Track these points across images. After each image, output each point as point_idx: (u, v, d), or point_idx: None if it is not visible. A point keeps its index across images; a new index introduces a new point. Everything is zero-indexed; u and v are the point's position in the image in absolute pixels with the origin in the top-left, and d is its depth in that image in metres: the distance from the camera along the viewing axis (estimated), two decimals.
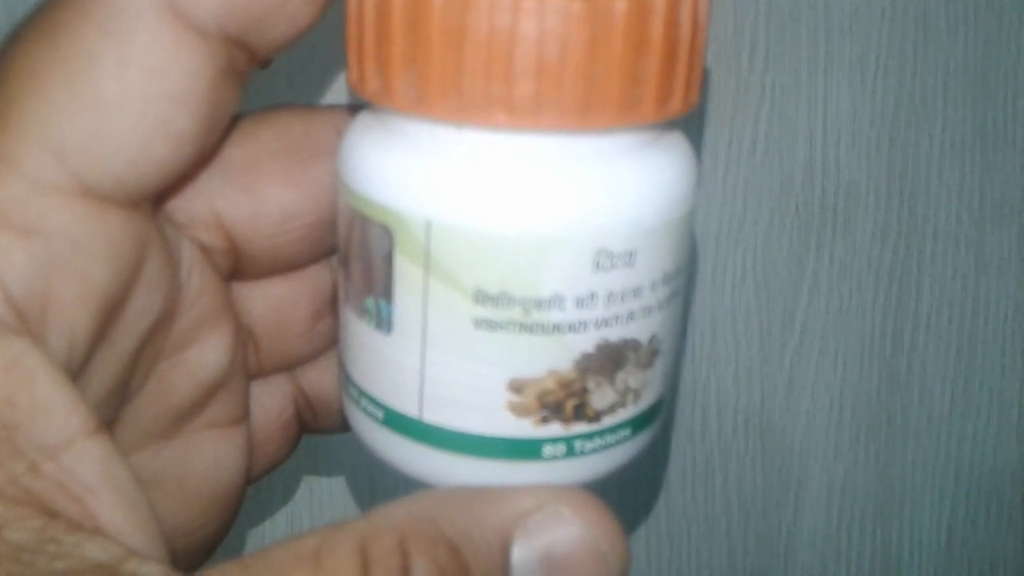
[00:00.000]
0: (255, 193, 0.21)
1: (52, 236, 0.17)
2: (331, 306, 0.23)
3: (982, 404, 0.40)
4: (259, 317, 0.22)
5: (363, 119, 0.19)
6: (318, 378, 0.24)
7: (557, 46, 0.16)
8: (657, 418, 0.20)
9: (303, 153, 0.21)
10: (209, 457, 0.22)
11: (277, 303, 0.22)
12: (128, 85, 0.17)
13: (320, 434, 0.25)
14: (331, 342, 0.23)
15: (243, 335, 0.22)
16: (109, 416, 0.20)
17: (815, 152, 0.36)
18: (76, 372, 0.17)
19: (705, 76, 0.36)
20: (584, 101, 0.16)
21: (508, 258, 0.17)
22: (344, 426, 0.22)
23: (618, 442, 0.19)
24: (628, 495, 0.39)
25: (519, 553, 0.17)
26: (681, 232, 0.18)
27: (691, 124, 0.35)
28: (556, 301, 0.17)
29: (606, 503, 0.18)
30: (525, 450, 0.18)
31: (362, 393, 0.20)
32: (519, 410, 0.18)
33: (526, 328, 0.17)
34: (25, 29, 0.17)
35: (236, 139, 0.21)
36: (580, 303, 0.17)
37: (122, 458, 0.17)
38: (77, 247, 0.17)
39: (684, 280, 0.19)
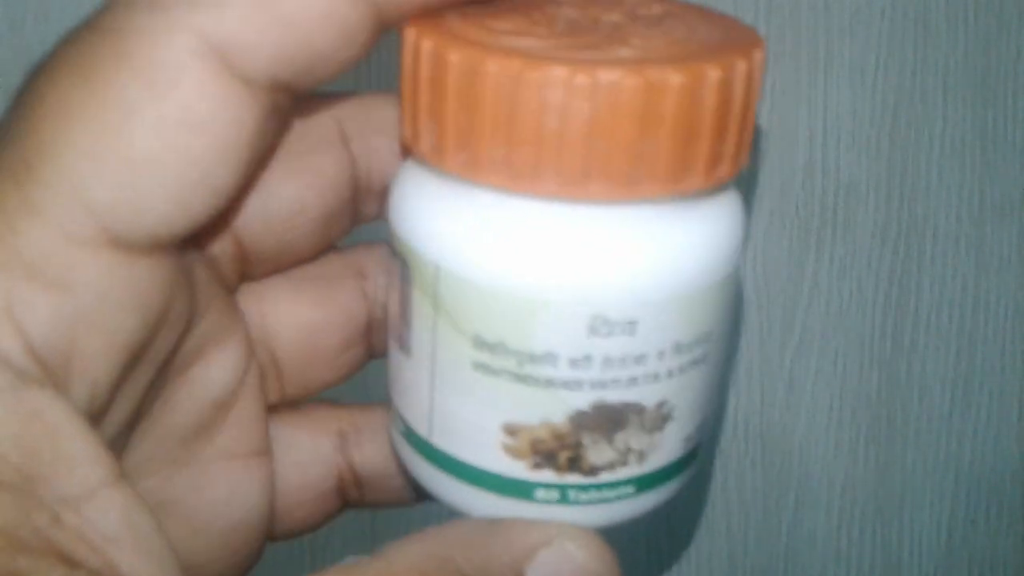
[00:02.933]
0: (261, 191, 0.20)
1: (78, 289, 0.16)
2: (362, 335, 0.23)
3: (982, 404, 0.40)
4: (287, 343, 0.22)
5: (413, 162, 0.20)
6: (372, 454, 0.23)
7: (555, 116, 0.16)
8: (672, 480, 0.19)
9: (303, 145, 0.21)
10: (222, 488, 0.21)
11: (308, 329, 0.22)
12: (167, 141, 0.16)
13: (366, 508, 0.24)
14: (355, 372, 0.23)
15: (255, 360, 0.22)
16: (122, 445, 0.19)
17: (815, 152, 0.36)
18: (97, 414, 0.17)
19: None
20: (584, 172, 0.16)
21: (504, 312, 0.17)
22: (393, 501, 0.22)
23: (619, 498, 0.19)
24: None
25: None
26: (698, 304, 0.18)
27: None
28: (549, 358, 0.17)
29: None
30: (518, 489, 0.18)
31: (394, 408, 0.20)
32: (513, 452, 0.18)
33: (520, 379, 0.17)
34: (57, 64, 0.17)
35: None
36: (575, 364, 0.17)
37: (145, 506, 0.17)
38: (103, 299, 0.17)
39: (712, 348, 0.19)
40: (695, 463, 0.20)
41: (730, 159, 0.17)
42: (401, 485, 0.23)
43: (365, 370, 0.23)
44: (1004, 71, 0.37)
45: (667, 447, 0.19)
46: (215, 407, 0.21)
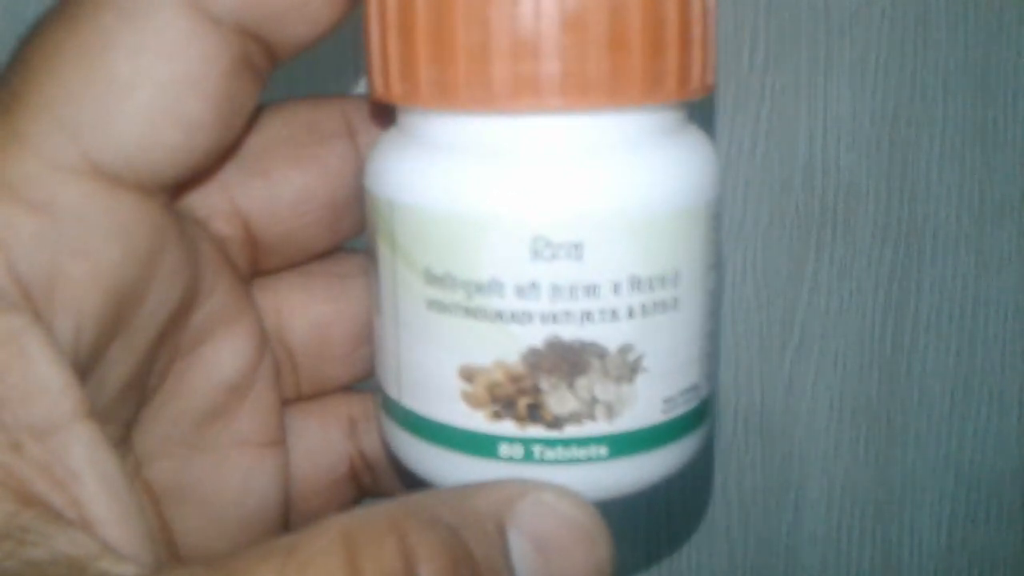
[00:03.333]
0: (268, 178, 0.21)
1: (62, 214, 0.17)
2: None
3: (982, 404, 0.40)
4: (300, 336, 0.22)
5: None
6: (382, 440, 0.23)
7: (479, 29, 0.16)
8: (652, 449, 0.18)
9: (312, 137, 0.21)
10: (237, 476, 0.21)
11: (320, 323, 0.22)
12: (141, 67, 0.17)
13: (382, 496, 0.24)
14: (371, 371, 0.23)
15: (270, 350, 0.22)
16: (128, 415, 0.19)
17: (815, 152, 0.36)
18: (86, 357, 0.17)
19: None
20: (514, 85, 0.16)
21: (450, 238, 0.17)
22: (406, 489, 0.22)
23: (589, 459, 0.18)
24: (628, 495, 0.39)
25: (514, 541, 0.17)
26: (655, 234, 0.17)
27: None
28: (495, 287, 0.17)
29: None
30: (481, 445, 0.18)
31: (377, 386, 0.20)
32: (471, 401, 0.18)
33: (470, 313, 0.17)
34: (47, 18, 0.18)
35: (246, 129, 0.21)
36: (521, 292, 0.17)
37: (110, 446, 0.16)
38: (86, 226, 0.17)
39: (684, 294, 0.18)
40: (685, 441, 0.19)
41: (674, 77, 0.17)
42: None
43: None
44: (1004, 71, 0.37)
45: (641, 405, 0.18)
46: (229, 391, 0.21)
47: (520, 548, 0.17)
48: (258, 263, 0.22)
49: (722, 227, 0.19)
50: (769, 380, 0.38)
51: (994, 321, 0.39)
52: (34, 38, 0.17)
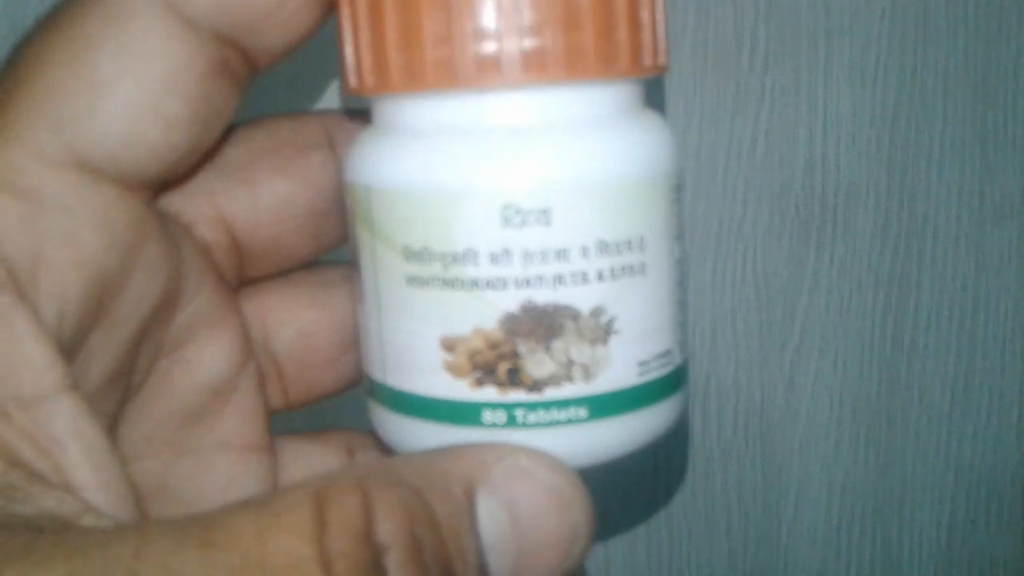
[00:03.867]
0: (252, 185, 0.22)
1: (46, 202, 0.18)
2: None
3: (982, 404, 0.40)
4: (286, 343, 0.23)
5: None
6: (376, 457, 0.24)
7: (441, 10, 0.17)
8: (630, 411, 0.19)
9: (294, 148, 0.22)
10: (220, 479, 0.22)
11: (305, 331, 0.23)
12: (122, 67, 0.18)
13: None
14: (358, 380, 0.24)
15: (254, 356, 0.22)
16: (112, 408, 0.20)
17: (815, 152, 0.36)
18: (69, 340, 0.18)
19: (704, 75, 0.36)
20: (477, 64, 0.17)
21: (426, 213, 0.18)
22: None
23: (570, 421, 0.18)
24: (628, 494, 0.39)
25: (484, 505, 0.17)
26: (620, 200, 0.18)
27: (691, 123, 0.35)
28: (470, 255, 0.18)
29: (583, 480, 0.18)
30: (465, 414, 0.18)
31: (364, 377, 0.20)
32: (454, 370, 0.18)
33: (448, 284, 0.18)
34: (37, 26, 0.19)
35: (231, 141, 0.22)
36: (495, 259, 0.18)
37: (93, 417, 0.17)
38: (70, 215, 0.18)
39: (651, 259, 0.19)
40: (662, 405, 0.19)
41: (626, 56, 0.18)
42: None
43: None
44: (1004, 71, 0.37)
45: (617, 367, 0.19)
46: (211, 393, 0.21)
47: (491, 513, 0.17)
48: (244, 270, 0.22)
49: (684, 201, 0.20)
50: (769, 380, 0.38)
51: (994, 321, 0.39)
52: (25, 44, 0.18)
